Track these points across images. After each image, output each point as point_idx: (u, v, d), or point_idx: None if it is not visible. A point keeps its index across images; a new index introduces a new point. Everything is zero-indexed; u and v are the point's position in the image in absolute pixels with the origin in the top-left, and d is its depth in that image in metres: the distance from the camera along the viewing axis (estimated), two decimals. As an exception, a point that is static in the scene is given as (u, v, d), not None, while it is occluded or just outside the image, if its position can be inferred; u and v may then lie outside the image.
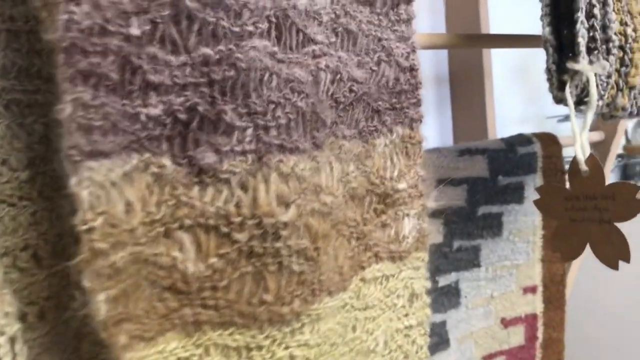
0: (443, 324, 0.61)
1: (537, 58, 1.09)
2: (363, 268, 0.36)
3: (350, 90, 0.34)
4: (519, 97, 1.07)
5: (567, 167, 0.80)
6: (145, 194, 0.27)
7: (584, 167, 0.41)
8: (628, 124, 1.20)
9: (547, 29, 0.44)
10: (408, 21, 0.37)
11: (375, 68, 0.36)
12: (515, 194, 0.68)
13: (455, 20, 0.84)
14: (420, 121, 0.38)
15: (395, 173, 0.37)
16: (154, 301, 0.27)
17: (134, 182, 0.26)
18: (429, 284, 0.40)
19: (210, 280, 0.28)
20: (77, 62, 0.25)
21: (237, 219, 0.28)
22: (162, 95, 0.27)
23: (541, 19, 0.45)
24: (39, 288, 0.33)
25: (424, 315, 0.39)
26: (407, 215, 0.38)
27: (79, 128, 0.25)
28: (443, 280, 0.60)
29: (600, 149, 0.85)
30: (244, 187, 0.28)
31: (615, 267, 0.37)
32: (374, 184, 0.36)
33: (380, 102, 0.36)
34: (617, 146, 0.75)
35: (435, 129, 0.93)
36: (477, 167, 0.64)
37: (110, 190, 0.25)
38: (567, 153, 0.82)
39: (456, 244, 0.62)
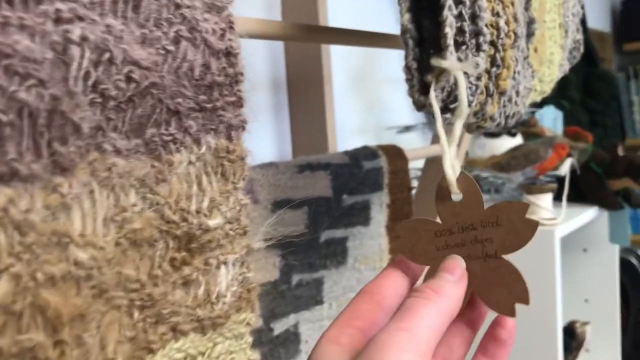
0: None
1: (377, 63, 1.04)
2: (153, 352, 0.23)
3: (129, 79, 0.22)
4: (356, 106, 1.01)
5: (414, 182, 0.74)
6: None
7: (455, 190, 0.32)
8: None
9: (407, 16, 0.35)
10: (219, -16, 0.26)
11: (171, 47, 0.24)
12: (360, 215, 0.60)
13: (292, 12, 0.74)
14: (243, 128, 0.27)
15: (205, 204, 0.25)
16: None
17: None
18: (257, 356, 0.28)
19: None
20: None
21: None
22: None
23: (399, 4, 0.36)
24: None
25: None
26: (224, 263, 0.26)
27: None
28: (279, 327, 0.49)
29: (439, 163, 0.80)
30: None
31: (511, 313, 0.28)
32: (171, 221, 0.24)
33: (180, 100, 0.24)
34: (462, 160, 0.69)
35: (270, 140, 0.83)
36: (320, 185, 0.55)
37: None
38: (413, 165, 0.77)
39: (295, 278, 0.52)
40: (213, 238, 0.25)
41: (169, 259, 0.24)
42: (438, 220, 0.30)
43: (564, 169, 0.88)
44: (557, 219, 0.87)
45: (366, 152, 0.63)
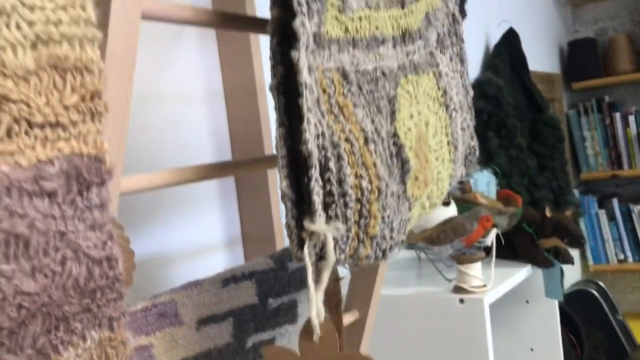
0: None
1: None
2: None
3: (20, 307, 0.28)
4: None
5: (341, 276, 0.81)
6: None
7: (317, 332, 0.39)
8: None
9: (285, 182, 0.42)
10: (102, 206, 0.32)
11: (57, 269, 0.30)
12: (288, 315, 0.66)
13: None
14: (123, 317, 0.33)
15: (92, 390, 0.31)
16: None
17: None
18: None
19: None
20: None
21: None
22: None
23: (278, 172, 0.43)
24: None
25: None
26: None
27: None
28: None
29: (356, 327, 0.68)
30: None
31: None
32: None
33: (67, 307, 0.30)
34: (372, 325, 0.67)
35: (220, 224, 0.89)
36: (245, 294, 0.61)
37: None
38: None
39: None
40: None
41: None
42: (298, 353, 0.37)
43: (490, 239, 0.96)
44: (487, 286, 0.93)
45: (290, 253, 0.69)
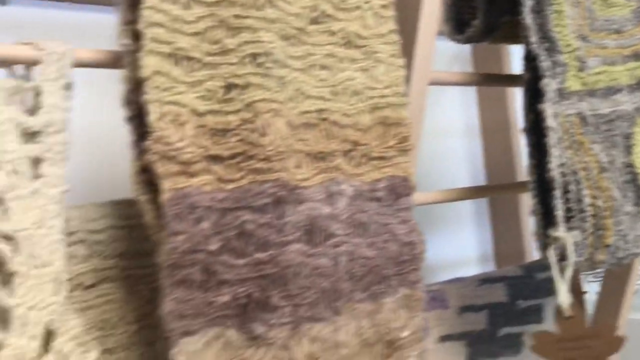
0: None
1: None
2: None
3: (363, 266, 0.48)
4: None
5: (584, 288, 0.89)
6: (219, 355, 0.40)
7: (567, 312, 0.52)
8: None
9: (535, 200, 0.57)
10: (408, 209, 0.51)
11: (382, 246, 0.49)
12: (534, 316, 0.78)
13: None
14: (419, 283, 0.51)
15: (400, 324, 0.49)
16: None
17: (210, 348, 0.40)
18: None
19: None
20: (175, 274, 0.39)
21: (279, 371, 0.41)
22: (230, 287, 0.41)
23: (530, 192, 0.57)
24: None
25: None
26: (410, 356, 0.49)
27: (176, 317, 0.39)
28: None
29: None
30: (284, 348, 0.41)
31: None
32: (383, 333, 0.48)
33: (386, 271, 0.49)
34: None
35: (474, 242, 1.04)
36: (497, 293, 0.75)
37: (194, 356, 0.39)
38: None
39: (478, 364, 0.72)
40: (404, 342, 0.49)
41: (382, 353, 0.48)
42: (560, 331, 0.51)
43: None
44: None
45: (539, 265, 0.81)
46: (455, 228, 1.02)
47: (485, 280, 0.75)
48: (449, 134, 1.00)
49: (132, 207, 0.48)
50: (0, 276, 0.39)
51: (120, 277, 0.47)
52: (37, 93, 0.43)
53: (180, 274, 0.40)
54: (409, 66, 0.54)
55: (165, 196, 0.40)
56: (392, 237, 0.50)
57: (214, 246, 0.41)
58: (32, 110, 0.42)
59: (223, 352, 0.41)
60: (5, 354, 0.39)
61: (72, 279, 0.45)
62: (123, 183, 0.62)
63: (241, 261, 0.42)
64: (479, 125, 0.99)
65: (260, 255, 0.42)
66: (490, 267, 1.07)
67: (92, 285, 0.46)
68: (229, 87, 0.42)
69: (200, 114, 0.41)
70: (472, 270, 1.08)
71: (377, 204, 0.50)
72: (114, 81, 0.45)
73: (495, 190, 0.77)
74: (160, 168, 0.40)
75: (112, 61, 0.45)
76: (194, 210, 0.40)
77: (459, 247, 1.05)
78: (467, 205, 1.03)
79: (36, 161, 0.41)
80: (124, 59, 0.43)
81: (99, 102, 0.62)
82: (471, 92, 1.02)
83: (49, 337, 0.40)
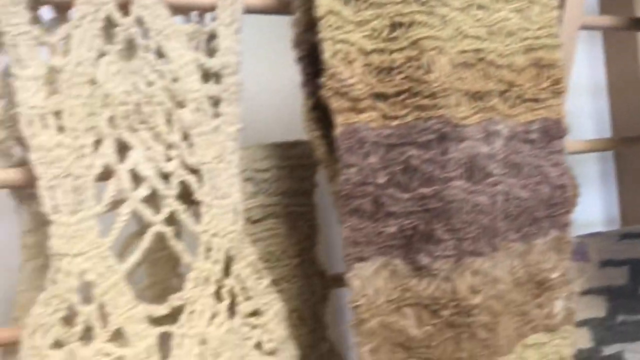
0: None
1: None
2: (524, 336, 0.48)
3: (517, 206, 0.48)
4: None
5: None
6: (386, 282, 0.42)
7: None
8: None
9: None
10: (560, 152, 0.50)
11: (535, 188, 0.49)
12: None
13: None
14: (570, 226, 0.50)
15: (549, 265, 0.49)
16: (391, 353, 0.42)
17: (379, 275, 0.42)
18: (574, 351, 0.51)
19: (425, 341, 0.42)
20: (349, 203, 0.41)
21: (443, 301, 0.43)
22: (396, 219, 0.43)
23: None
24: (302, 340, 0.50)
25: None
26: (558, 297, 0.50)
27: (351, 244, 0.41)
28: (607, 350, 0.69)
29: None
30: (447, 279, 0.43)
31: None
32: (533, 274, 0.49)
33: (538, 213, 0.49)
34: None
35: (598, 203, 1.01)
36: (638, 249, 0.73)
37: (367, 281, 0.41)
38: None
39: (619, 317, 0.71)
40: (553, 284, 0.50)
41: (532, 293, 0.49)
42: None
43: None
44: None
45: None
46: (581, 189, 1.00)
47: (625, 235, 0.73)
48: (574, 91, 0.97)
49: (292, 149, 0.51)
50: (188, 205, 0.43)
51: (283, 213, 0.50)
52: (212, 36, 0.45)
53: (353, 204, 0.42)
54: (560, 10, 0.53)
55: (338, 130, 0.41)
56: (544, 179, 0.50)
57: (381, 179, 0.42)
58: (210, 53, 0.45)
59: (390, 280, 0.43)
60: (193, 275, 0.42)
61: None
62: (284, 125, 0.65)
63: (406, 195, 0.43)
64: (605, 82, 0.95)
65: (424, 190, 0.43)
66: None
67: (259, 220, 0.49)
68: (394, 26, 0.43)
69: (367, 53, 0.43)
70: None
71: (530, 146, 0.49)
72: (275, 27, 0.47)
73: (623, 143, 0.74)
74: (334, 103, 0.41)
75: (279, 7, 0.47)
76: (363, 145, 0.42)
77: (583, 209, 1.02)
78: (589, 166, 1.00)
79: (215, 100, 0.44)
80: (294, 3, 0.45)
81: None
82: (598, 47, 0.98)
83: (229, 262, 0.44)
